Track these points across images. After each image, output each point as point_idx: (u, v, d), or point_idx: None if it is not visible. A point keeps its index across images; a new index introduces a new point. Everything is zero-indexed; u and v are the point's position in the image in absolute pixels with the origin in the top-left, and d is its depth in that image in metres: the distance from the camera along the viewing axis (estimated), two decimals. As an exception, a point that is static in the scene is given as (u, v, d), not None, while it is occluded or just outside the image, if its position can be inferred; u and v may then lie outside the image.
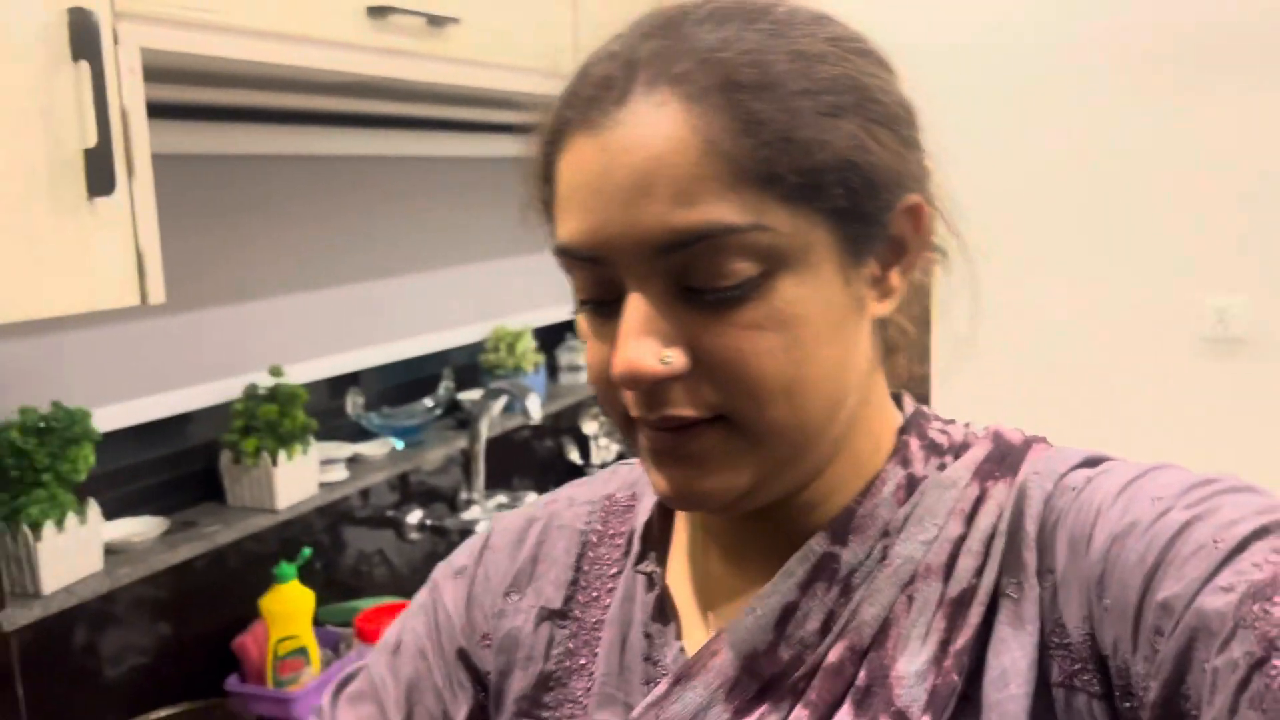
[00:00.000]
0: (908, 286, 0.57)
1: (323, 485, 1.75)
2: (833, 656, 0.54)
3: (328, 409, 1.90)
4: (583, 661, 0.64)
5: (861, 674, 0.53)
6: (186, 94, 1.39)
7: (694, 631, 0.62)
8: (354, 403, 1.93)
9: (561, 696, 0.64)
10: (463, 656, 0.68)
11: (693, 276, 0.50)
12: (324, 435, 1.81)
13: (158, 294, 1.06)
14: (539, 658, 0.65)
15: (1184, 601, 0.45)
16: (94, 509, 1.41)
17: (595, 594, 0.65)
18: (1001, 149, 2.59)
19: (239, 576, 1.60)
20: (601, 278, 0.53)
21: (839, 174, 0.51)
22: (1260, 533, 0.46)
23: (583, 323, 0.56)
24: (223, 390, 1.70)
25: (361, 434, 1.95)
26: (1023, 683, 0.51)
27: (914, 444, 0.59)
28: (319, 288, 1.87)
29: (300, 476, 1.68)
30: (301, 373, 1.80)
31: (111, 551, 1.47)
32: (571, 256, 0.53)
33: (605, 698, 0.61)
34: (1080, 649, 0.51)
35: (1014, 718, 0.51)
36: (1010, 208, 2.59)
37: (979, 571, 0.54)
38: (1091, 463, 0.56)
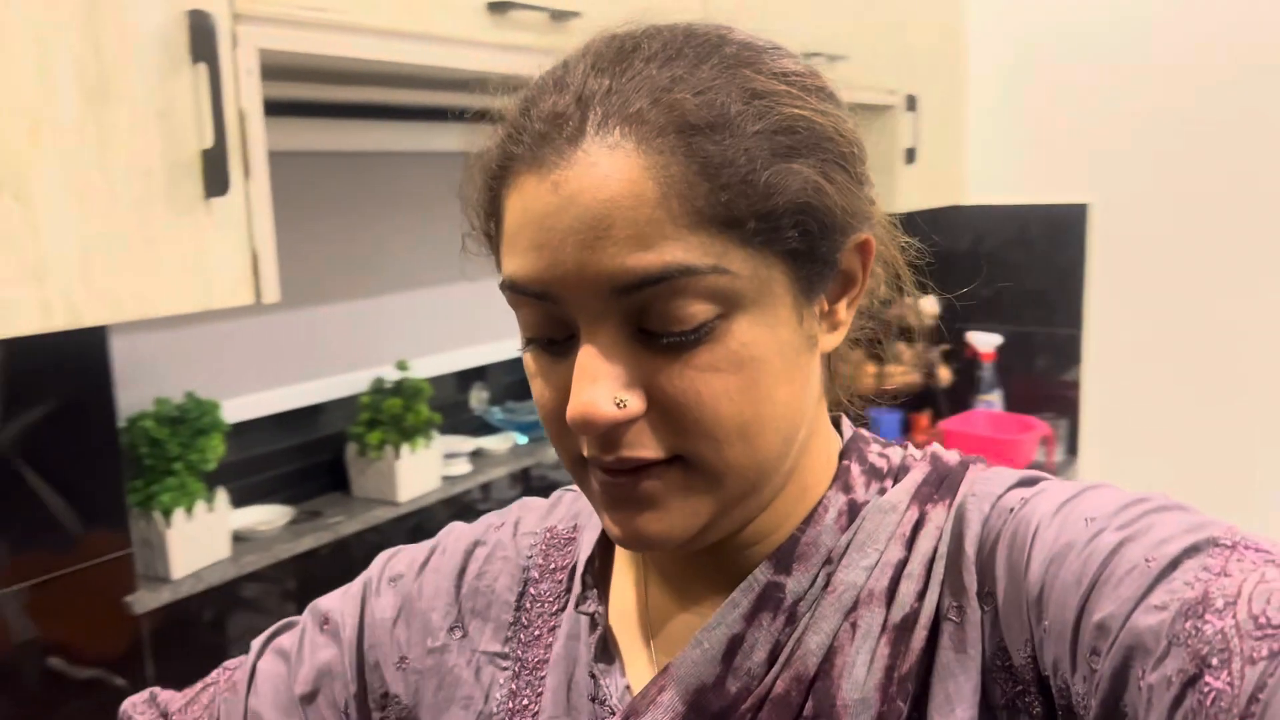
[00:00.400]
0: (852, 318, 0.58)
1: (445, 478, 1.76)
2: (779, 687, 0.54)
3: (453, 403, 1.91)
4: (525, 702, 0.63)
5: (808, 705, 0.54)
6: (307, 91, 1.41)
7: (640, 667, 0.61)
8: (478, 397, 1.94)
9: None
10: (375, 670, 0.68)
11: (648, 319, 0.49)
12: (448, 429, 1.83)
13: (272, 294, 1.07)
14: (479, 698, 0.65)
15: (1119, 621, 0.46)
16: (222, 497, 1.45)
17: (537, 633, 0.65)
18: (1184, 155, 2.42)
19: (360, 567, 1.62)
20: (551, 316, 0.51)
21: (795, 217, 0.50)
22: (1190, 551, 0.46)
23: (530, 360, 0.55)
24: (351, 383, 1.73)
25: (485, 428, 1.96)
26: (968, 707, 0.52)
27: (855, 469, 0.59)
28: (445, 283, 1.88)
29: (423, 469, 1.70)
30: (427, 367, 1.82)
31: (239, 539, 1.51)
32: (520, 293, 0.52)
33: None
34: (1022, 671, 0.52)
35: None
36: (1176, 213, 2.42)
37: (920, 595, 0.55)
38: (1027, 483, 0.57)
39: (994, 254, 2.72)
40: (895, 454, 0.61)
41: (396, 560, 0.71)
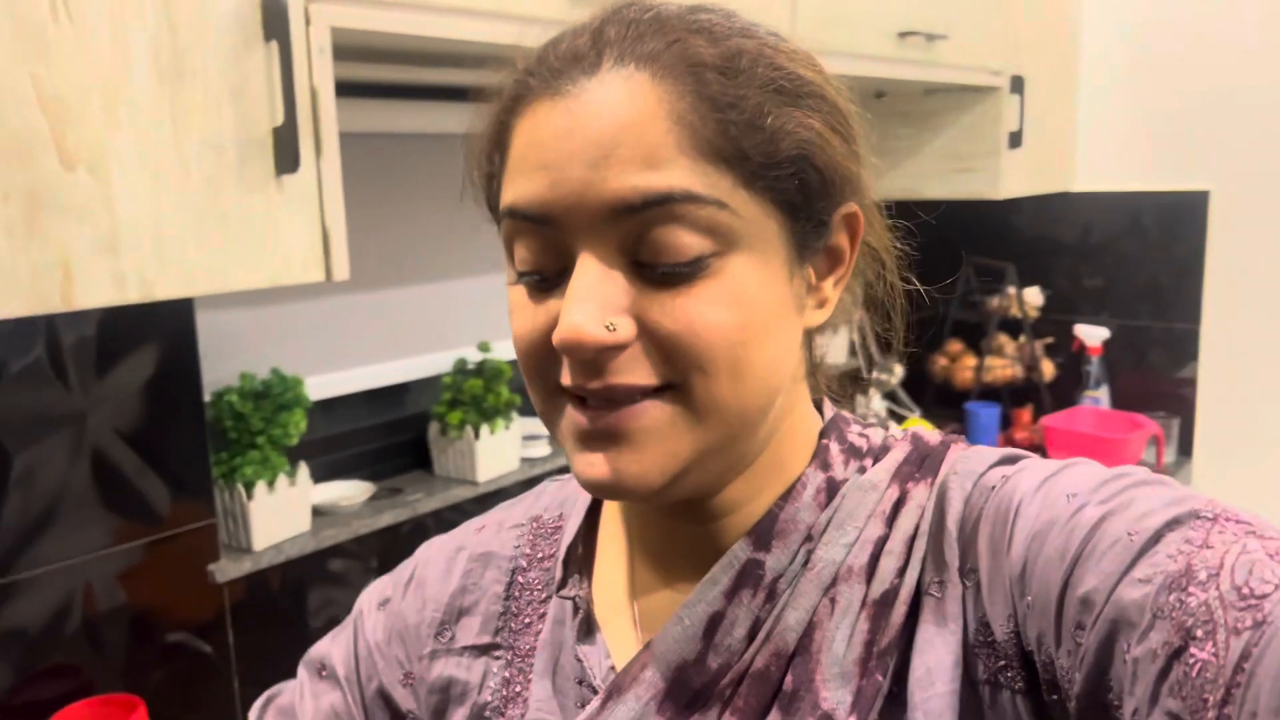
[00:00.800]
0: (837, 302, 0.58)
1: (524, 460, 1.77)
2: (759, 663, 0.54)
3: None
4: (518, 689, 0.63)
5: (788, 679, 0.54)
6: (386, 73, 1.42)
7: (625, 645, 0.61)
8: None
9: None
10: (382, 694, 0.69)
11: (645, 249, 0.50)
12: (528, 412, 1.83)
13: (342, 271, 1.08)
14: (474, 689, 0.65)
15: (1103, 595, 0.46)
16: (304, 471, 1.48)
17: (527, 620, 0.65)
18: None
19: (439, 545, 1.65)
20: (548, 245, 0.51)
21: (797, 166, 0.51)
22: (1172, 524, 0.47)
23: (515, 295, 0.54)
24: (436, 364, 1.75)
25: (568, 411, 1.96)
26: (947, 680, 0.52)
27: (834, 448, 0.60)
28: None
29: (502, 450, 1.71)
30: (509, 349, 1.83)
31: (320, 513, 1.54)
32: (521, 218, 0.52)
33: None
34: (1005, 646, 0.52)
35: (939, 715, 0.52)
36: None
37: (901, 572, 0.55)
38: (1008, 461, 0.57)
39: (1104, 244, 2.60)
40: (876, 434, 0.62)
41: (380, 587, 0.73)
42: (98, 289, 0.90)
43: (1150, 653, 0.43)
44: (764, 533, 0.57)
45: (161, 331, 1.32)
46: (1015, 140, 2.26)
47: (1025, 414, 2.61)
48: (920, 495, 0.57)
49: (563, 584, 0.64)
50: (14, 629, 1.21)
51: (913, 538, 0.56)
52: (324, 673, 0.71)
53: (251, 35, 0.98)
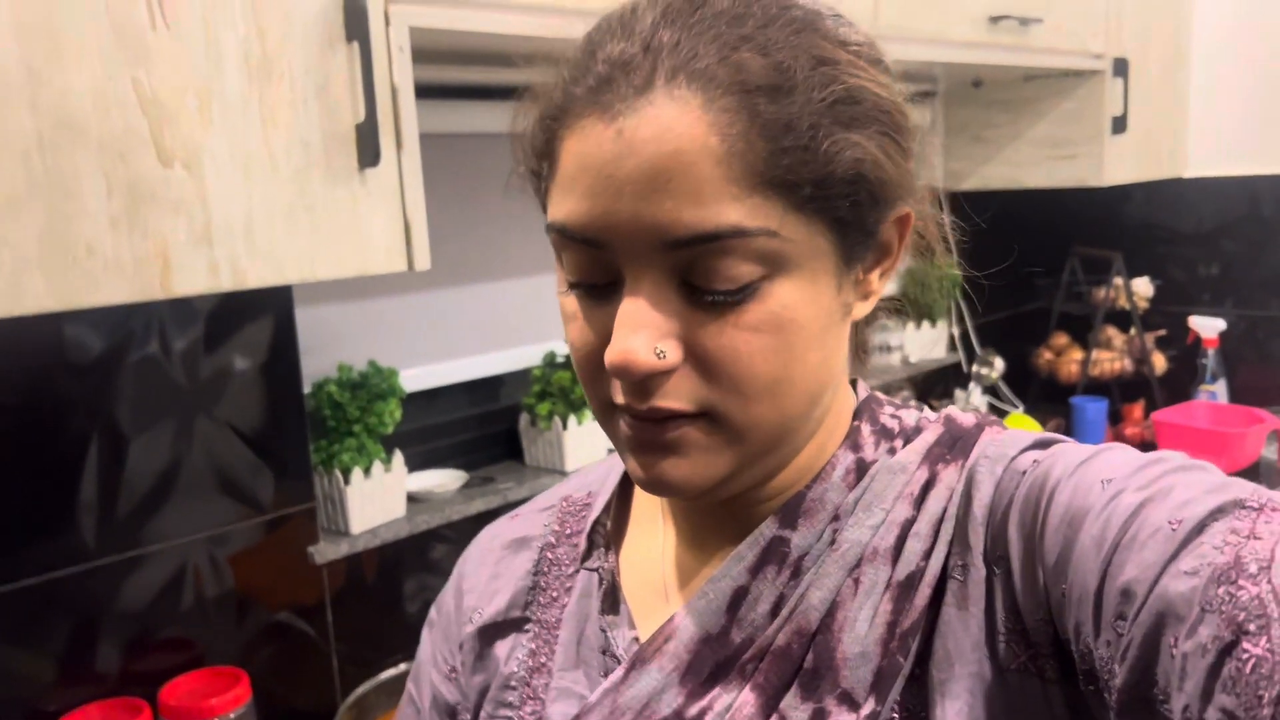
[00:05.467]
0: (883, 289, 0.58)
1: (610, 450, 1.79)
2: (781, 640, 0.55)
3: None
4: (543, 660, 0.64)
5: (809, 657, 0.54)
6: (475, 75, 1.47)
7: (652, 617, 0.62)
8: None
9: (525, 695, 0.64)
10: (436, 702, 0.71)
11: (695, 274, 0.50)
12: (617, 403, 1.86)
13: (423, 260, 1.12)
14: (501, 660, 0.67)
15: (1146, 586, 0.45)
16: (399, 459, 1.54)
17: (555, 595, 0.66)
18: None
19: (530, 533, 1.69)
20: (598, 261, 0.52)
21: (849, 186, 0.51)
22: (1216, 513, 0.45)
23: (568, 303, 0.55)
24: (529, 356, 1.80)
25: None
26: (968, 663, 0.52)
27: (865, 429, 0.60)
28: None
29: (589, 441, 1.74)
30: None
31: (415, 500, 1.60)
32: (570, 238, 0.52)
33: (563, 691, 0.62)
34: (1036, 634, 0.51)
35: (959, 698, 0.52)
36: None
37: (927, 554, 0.55)
38: (1041, 445, 0.57)
39: (1219, 231, 2.50)
40: (909, 416, 0.62)
41: (432, 609, 0.75)
42: (194, 277, 0.96)
43: (1200, 647, 0.42)
44: (791, 511, 0.58)
45: (264, 326, 1.39)
46: (1119, 125, 2.19)
47: (1136, 409, 2.52)
48: (950, 478, 0.57)
49: (587, 556, 0.66)
50: (131, 602, 1.30)
51: (940, 520, 0.55)
52: (405, 704, 0.75)
53: (335, 36, 1.03)
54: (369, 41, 1.04)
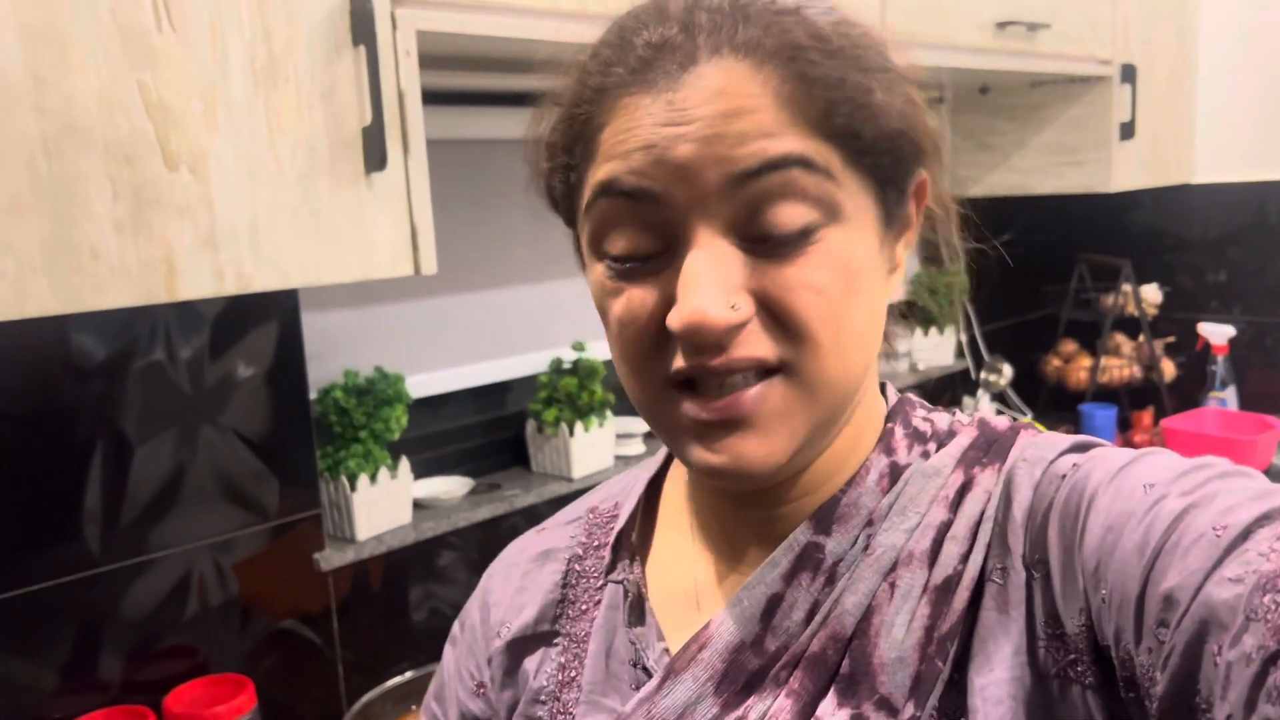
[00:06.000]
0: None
1: (618, 458, 1.79)
2: (816, 646, 0.54)
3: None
4: (573, 674, 0.63)
5: (845, 663, 0.53)
6: (479, 81, 1.46)
7: (682, 627, 0.60)
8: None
9: (555, 709, 0.63)
10: (463, 717, 0.70)
11: (756, 222, 0.49)
12: (623, 410, 1.85)
13: (430, 265, 1.12)
14: (530, 675, 0.66)
15: (1189, 593, 0.44)
16: (405, 466, 1.54)
17: (583, 607, 0.65)
18: None
19: (536, 540, 1.68)
20: (648, 224, 0.50)
21: (893, 142, 0.52)
22: (1262, 520, 0.45)
23: (607, 281, 0.53)
24: (534, 363, 1.79)
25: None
26: (1007, 668, 0.51)
27: (898, 432, 0.59)
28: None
29: (596, 448, 1.73)
30: (605, 349, 1.85)
31: (421, 506, 1.59)
32: (619, 193, 0.50)
33: (593, 704, 0.61)
34: (1076, 640, 0.50)
35: (999, 702, 0.51)
36: None
37: (964, 557, 0.54)
38: (1080, 448, 0.56)
39: (1228, 237, 2.48)
40: (942, 419, 0.61)
41: (455, 625, 0.74)
42: (199, 281, 0.96)
43: (1244, 656, 0.42)
44: (825, 516, 0.57)
45: (270, 331, 1.39)
46: (1127, 131, 2.18)
47: (1145, 416, 2.51)
48: (987, 481, 0.56)
49: (612, 568, 0.65)
50: (135, 609, 1.29)
51: (978, 523, 0.54)
52: (424, 712, 0.74)
53: (341, 40, 1.03)
54: (375, 45, 1.04)
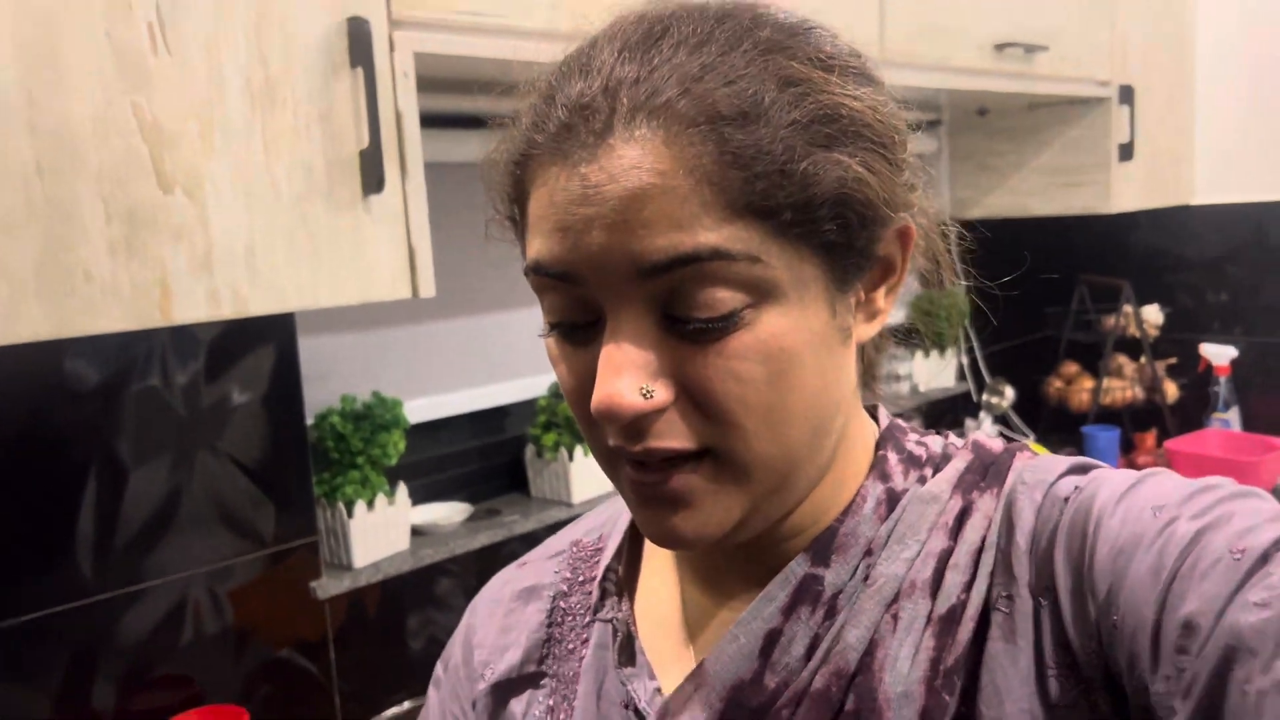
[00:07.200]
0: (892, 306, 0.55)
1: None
2: (819, 683, 0.52)
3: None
4: (562, 716, 0.62)
5: (849, 700, 0.51)
6: (478, 105, 1.46)
7: (675, 665, 0.59)
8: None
9: None
10: None
11: (677, 305, 0.47)
12: (624, 434, 1.84)
13: (428, 288, 1.11)
14: (518, 717, 0.64)
15: (1211, 619, 0.43)
16: (402, 492, 1.52)
17: (570, 646, 0.64)
18: None
19: (536, 566, 1.66)
20: (576, 299, 0.50)
21: (833, 208, 0.48)
22: None
23: (552, 346, 0.53)
24: (534, 387, 1.78)
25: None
26: (1017, 699, 0.50)
27: (892, 458, 0.58)
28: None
29: (596, 473, 1.71)
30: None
31: (419, 533, 1.57)
32: (545, 275, 0.50)
33: None
34: (1087, 668, 0.49)
35: None
36: None
37: (968, 586, 0.52)
38: (1079, 470, 0.55)
39: (1229, 258, 2.48)
40: (935, 442, 0.59)
41: (438, 665, 0.72)
42: (194, 305, 0.95)
43: (1277, 684, 0.40)
44: (823, 547, 0.55)
45: (266, 355, 1.38)
46: (1126, 153, 2.18)
47: (1149, 438, 2.50)
48: (986, 506, 0.54)
49: (599, 606, 0.63)
50: (130, 638, 1.27)
51: (979, 551, 0.53)
52: None
53: (338, 62, 1.03)
54: (373, 67, 1.03)
